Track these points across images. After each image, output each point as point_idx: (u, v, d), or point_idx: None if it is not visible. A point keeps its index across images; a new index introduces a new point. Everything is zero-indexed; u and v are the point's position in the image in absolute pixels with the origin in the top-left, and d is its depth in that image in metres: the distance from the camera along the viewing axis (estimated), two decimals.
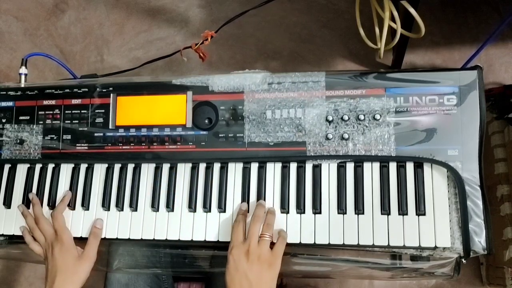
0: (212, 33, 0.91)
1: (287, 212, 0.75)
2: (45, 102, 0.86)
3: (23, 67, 0.90)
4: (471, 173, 0.71)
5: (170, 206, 0.79)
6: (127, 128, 0.82)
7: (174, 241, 0.78)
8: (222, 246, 0.78)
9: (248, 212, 0.76)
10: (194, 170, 0.79)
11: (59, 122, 0.84)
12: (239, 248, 0.69)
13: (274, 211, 0.75)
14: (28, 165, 0.86)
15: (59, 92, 0.85)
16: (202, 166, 0.80)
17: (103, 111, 0.83)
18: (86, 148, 0.83)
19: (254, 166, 0.78)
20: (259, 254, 0.68)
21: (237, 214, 0.75)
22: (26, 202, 0.84)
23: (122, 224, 0.80)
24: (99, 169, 0.83)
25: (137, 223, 0.79)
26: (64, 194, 0.82)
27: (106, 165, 0.83)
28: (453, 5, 1.37)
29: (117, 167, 0.82)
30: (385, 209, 0.72)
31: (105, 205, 0.81)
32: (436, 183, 0.72)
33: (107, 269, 0.87)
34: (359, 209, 0.73)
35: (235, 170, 0.78)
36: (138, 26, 1.58)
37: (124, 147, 0.82)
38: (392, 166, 0.74)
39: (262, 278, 0.67)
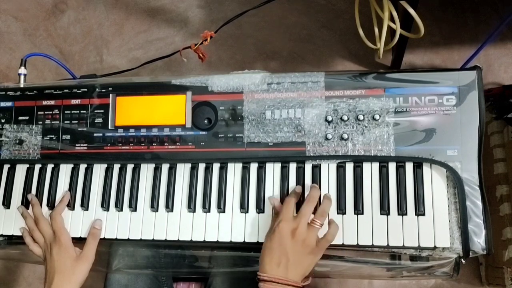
0: (212, 33, 0.91)
1: None
2: (44, 102, 0.86)
3: (22, 67, 0.90)
4: (470, 173, 0.71)
5: (169, 206, 0.79)
6: (126, 128, 0.82)
7: (174, 241, 0.78)
8: (221, 246, 0.78)
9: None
10: (194, 170, 0.79)
11: (58, 122, 0.84)
12: (288, 224, 0.68)
13: (330, 197, 0.73)
14: (27, 166, 0.86)
15: (59, 92, 0.85)
16: (202, 166, 0.79)
17: (102, 111, 0.83)
18: (85, 148, 0.83)
19: (254, 166, 0.78)
20: (305, 238, 0.67)
21: (291, 192, 0.74)
22: (26, 202, 0.84)
23: (121, 224, 0.80)
24: (99, 169, 0.83)
25: (136, 223, 0.79)
26: (63, 195, 0.82)
27: (106, 165, 0.83)
28: (453, 6, 1.37)
29: (116, 167, 0.82)
30: (384, 209, 0.72)
31: (105, 205, 0.81)
32: (435, 183, 0.72)
33: (107, 270, 0.87)
34: (358, 209, 0.73)
35: (234, 170, 0.78)
36: (137, 26, 1.58)
37: (123, 147, 0.82)
38: (392, 166, 0.74)
39: (301, 260, 0.67)
